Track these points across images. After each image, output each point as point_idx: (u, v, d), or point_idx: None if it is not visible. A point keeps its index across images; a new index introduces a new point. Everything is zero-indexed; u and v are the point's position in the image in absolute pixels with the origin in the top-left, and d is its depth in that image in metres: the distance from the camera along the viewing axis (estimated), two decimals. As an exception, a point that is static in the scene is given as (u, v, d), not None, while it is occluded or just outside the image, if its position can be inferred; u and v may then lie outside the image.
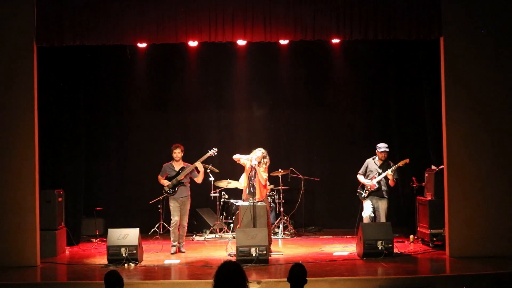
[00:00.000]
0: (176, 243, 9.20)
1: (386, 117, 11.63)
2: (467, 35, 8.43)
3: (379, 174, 9.27)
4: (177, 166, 9.28)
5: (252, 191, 8.83)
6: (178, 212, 9.19)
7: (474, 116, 8.43)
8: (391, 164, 9.31)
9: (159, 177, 9.33)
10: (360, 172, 9.51)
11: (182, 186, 9.20)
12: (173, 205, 9.22)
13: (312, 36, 8.49)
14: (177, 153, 9.24)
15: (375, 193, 9.31)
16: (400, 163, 9.21)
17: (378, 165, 9.39)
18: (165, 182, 9.21)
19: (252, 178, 8.87)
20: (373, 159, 9.48)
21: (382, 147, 9.40)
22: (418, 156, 10.39)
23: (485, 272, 7.35)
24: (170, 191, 9.17)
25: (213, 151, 9.26)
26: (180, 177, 9.17)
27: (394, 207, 10.72)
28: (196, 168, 9.17)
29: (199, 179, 9.31)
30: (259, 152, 8.94)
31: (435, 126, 9.38)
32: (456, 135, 8.46)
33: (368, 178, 9.39)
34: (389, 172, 9.15)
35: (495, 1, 8.48)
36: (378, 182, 9.27)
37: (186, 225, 9.33)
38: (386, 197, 9.33)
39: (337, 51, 11.09)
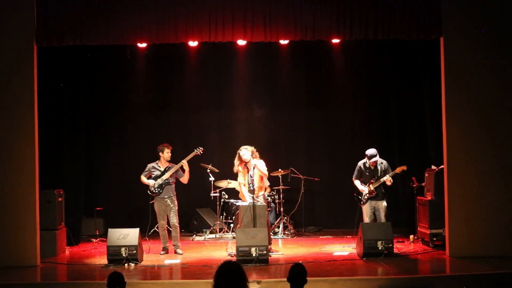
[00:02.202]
0: (166, 245, 9.18)
1: (386, 117, 11.61)
2: (467, 35, 8.43)
3: (376, 179, 9.21)
4: (163, 165, 9.22)
5: (252, 188, 8.85)
6: (163, 215, 9.13)
7: (474, 116, 8.43)
8: (383, 164, 9.26)
9: (142, 177, 9.25)
10: (354, 177, 9.38)
11: (168, 185, 9.13)
12: (158, 208, 9.15)
13: (312, 36, 8.49)
14: (169, 152, 9.18)
15: (373, 197, 9.26)
16: (397, 170, 9.09)
17: (372, 169, 9.26)
18: (150, 182, 9.13)
19: (252, 177, 8.88)
20: (364, 163, 9.32)
21: (371, 156, 9.12)
22: (418, 156, 10.40)
23: (485, 272, 7.35)
24: (155, 190, 9.10)
25: (198, 150, 9.21)
26: (166, 177, 9.12)
27: (394, 207, 10.73)
28: (181, 167, 9.10)
29: (185, 178, 9.21)
30: (247, 152, 8.92)
31: (435, 126, 9.37)
32: (456, 135, 8.46)
33: (364, 182, 9.29)
34: (387, 177, 9.09)
35: (495, 1, 8.48)
36: (376, 188, 9.21)
37: (178, 225, 9.16)
38: (384, 198, 9.26)
39: (337, 51, 11.09)
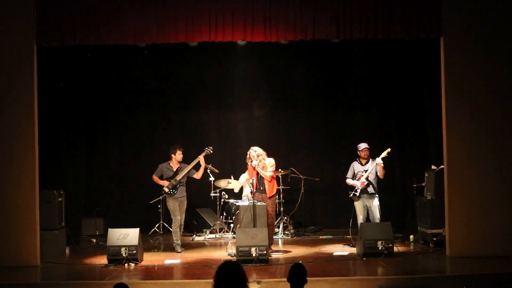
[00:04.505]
0: (179, 241, 9.21)
1: (386, 117, 11.62)
2: (467, 35, 8.43)
3: (365, 171, 9.29)
4: (175, 166, 9.29)
5: (262, 189, 8.86)
6: (178, 211, 9.23)
7: (474, 116, 8.43)
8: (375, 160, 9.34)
9: (155, 177, 9.33)
10: (348, 176, 9.54)
11: (181, 186, 9.22)
12: (173, 205, 9.24)
13: (312, 36, 8.49)
14: (180, 154, 9.28)
15: (365, 191, 9.32)
16: (383, 154, 9.22)
17: (363, 164, 9.45)
18: (165, 183, 9.21)
19: (260, 178, 8.88)
20: (357, 160, 9.53)
21: (362, 145, 9.48)
22: (418, 156, 10.40)
23: (485, 272, 7.35)
24: (170, 191, 9.17)
25: (208, 149, 9.26)
26: (179, 177, 9.17)
27: (393, 207, 10.74)
28: (198, 163, 9.17)
29: (199, 174, 9.33)
30: (253, 153, 8.92)
31: (435, 126, 9.38)
32: (456, 135, 8.46)
33: (356, 179, 9.41)
34: (378, 160, 9.16)
35: (495, 1, 8.48)
36: (367, 178, 9.28)
37: (183, 223, 9.41)
38: (376, 194, 9.36)
39: (337, 51, 11.08)
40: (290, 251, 9.24)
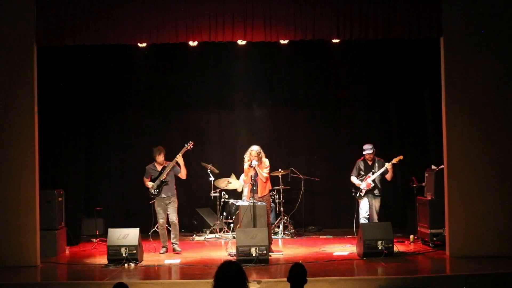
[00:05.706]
0: (165, 244, 9.22)
1: (386, 117, 11.63)
2: (467, 35, 8.43)
3: (373, 173, 9.35)
4: (159, 166, 9.28)
5: (254, 189, 8.85)
6: (163, 214, 9.19)
7: (474, 116, 8.43)
8: (382, 161, 9.42)
9: (145, 179, 9.34)
10: (352, 174, 9.62)
11: (166, 185, 9.18)
12: (158, 207, 9.22)
13: (312, 36, 8.49)
14: (159, 157, 9.23)
15: (371, 191, 9.41)
16: (394, 160, 9.33)
17: (369, 164, 9.51)
18: (149, 184, 9.19)
19: (254, 177, 8.88)
20: (362, 159, 9.60)
21: (366, 149, 9.52)
22: (418, 156, 10.41)
23: (485, 272, 7.34)
24: (154, 192, 9.15)
25: (188, 145, 9.23)
26: (162, 177, 9.15)
27: (393, 207, 10.74)
28: (177, 163, 9.15)
29: (182, 173, 9.27)
30: (254, 151, 8.90)
31: (435, 126, 9.39)
32: (456, 135, 8.46)
33: (360, 178, 9.48)
34: (388, 165, 9.24)
35: (495, 1, 8.48)
36: (373, 180, 9.34)
37: (177, 222, 9.24)
38: (380, 195, 9.49)
39: (337, 51, 11.07)
40: (290, 251, 9.24)
